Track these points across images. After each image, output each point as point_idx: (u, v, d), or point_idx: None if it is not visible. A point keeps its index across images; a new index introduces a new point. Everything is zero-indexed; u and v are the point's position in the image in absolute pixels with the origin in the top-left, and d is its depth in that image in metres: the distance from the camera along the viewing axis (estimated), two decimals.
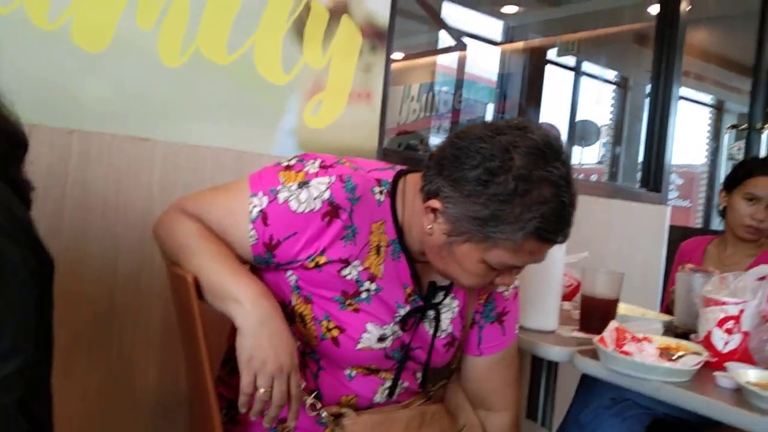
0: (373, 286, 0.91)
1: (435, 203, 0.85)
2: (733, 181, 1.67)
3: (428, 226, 0.87)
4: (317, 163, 0.89)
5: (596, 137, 5.97)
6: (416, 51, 4.97)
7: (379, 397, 0.97)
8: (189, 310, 0.86)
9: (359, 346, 0.91)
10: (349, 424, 0.90)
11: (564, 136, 5.62)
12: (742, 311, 1.10)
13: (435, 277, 0.96)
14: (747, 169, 1.66)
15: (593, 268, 1.32)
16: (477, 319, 1.04)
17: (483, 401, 1.09)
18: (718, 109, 6.81)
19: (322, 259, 0.87)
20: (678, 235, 2.84)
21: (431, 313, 0.97)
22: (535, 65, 5.19)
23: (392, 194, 0.92)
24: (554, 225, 0.82)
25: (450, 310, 1.00)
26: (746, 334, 1.09)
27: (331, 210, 0.86)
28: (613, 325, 1.10)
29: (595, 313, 1.27)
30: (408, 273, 0.94)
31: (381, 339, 0.92)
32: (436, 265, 0.91)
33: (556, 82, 5.49)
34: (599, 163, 6.26)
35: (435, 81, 5.11)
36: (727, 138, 5.82)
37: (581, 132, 5.89)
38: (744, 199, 1.61)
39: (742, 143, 3.10)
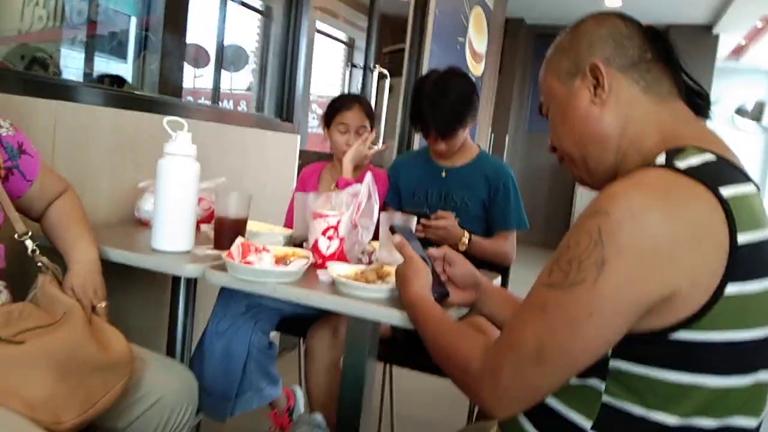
0: None
1: None
2: (328, 118, 1.99)
3: None
4: None
5: (245, 63, 6.12)
6: None
7: None
8: None
9: None
10: None
11: (212, 60, 5.61)
12: (339, 221, 1.36)
13: None
14: (335, 107, 1.97)
15: (225, 191, 1.45)
16: (9, 165, 1.18)
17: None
18: (350, 46, 7.65)
19: None
20: (314, 158, 3.21)
21: None
22: None
23: None
24: None
25: None
26: (342, 239, 1.37)
27: None
28: (239, 240, 1.25)
29: (227, 232, 1.40)
30: None
31: None
32: None
33: (203, 2, 5.39)
34: (248, 89, 6.46)
35: None
36: (354, 72, 6.62)
37: (230, 57, 5.95)
38: (338, 131, 1.95)
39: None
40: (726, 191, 0.72)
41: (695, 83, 0.91)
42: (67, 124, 1.58)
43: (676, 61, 0.88)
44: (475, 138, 5.25)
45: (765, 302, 0.74)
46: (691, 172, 0.73)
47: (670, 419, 0.74)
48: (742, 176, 0.78)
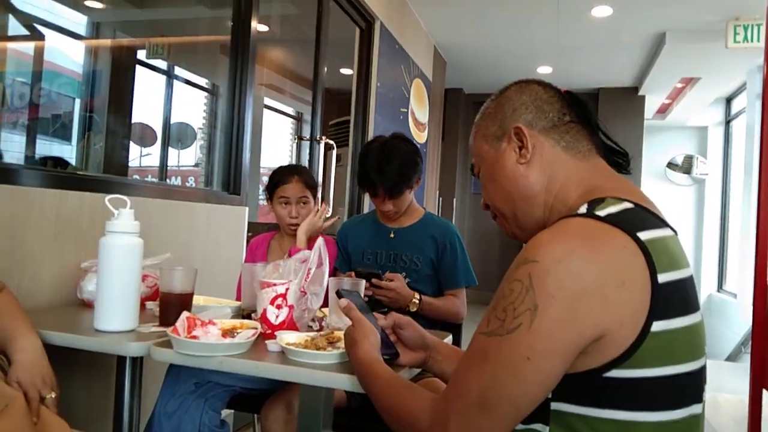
0: None
1: None
2: (270, 191, 2.02)
3: None
4: None
5: (192, 140, 6.16)
6: None
7: None
8: None
9: None
10: None
11: (159, 138, 5.63)
12: (287, 289, 1.36)
13: None
14: (275, 181, 2.02)
15: (170, 266, 1.44)
16: None
17: None
18: (298, 119, 7.81)
19: None
20: (264, 229, 3.22)
21: None
22: (124, 64, 5.06)
23: None
24: None
25: None
26: (291, 307, 1.37)
27: None
28: (184, 315, 1.23)
29: (173, 307, 1.38)
30: None
31: None
32: None
33: (148, 83, 5.45)
34: (196, 165, 6.46)
35: (5, 71, 4.46)
36: (302, 144, 6.75)
37: (177, 134, 5.98)
38: (280, 204, 1.98)
39: None
40: (644, 235, 0.77)
41: (614, 143, 0.98)
42: (6, 208, 1.55)
43: (593, 122, 0.96)
44: (424, 202, 5.37)
45: (689, 338, 0.78)
46: (611, 219, 0.78)
47: None
48: (658, 222, 0.83)
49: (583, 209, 0.82)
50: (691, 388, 0.80)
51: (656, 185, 8.34)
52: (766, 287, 3.22)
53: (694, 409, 0.80)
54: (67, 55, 4.78)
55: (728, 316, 6.55)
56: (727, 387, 4.21)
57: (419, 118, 5.21)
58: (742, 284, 6.09)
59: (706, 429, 0.85)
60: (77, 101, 4.92)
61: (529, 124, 0.93)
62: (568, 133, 0.93)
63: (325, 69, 3.56)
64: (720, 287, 7.84)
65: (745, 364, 4.43)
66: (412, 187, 1.91)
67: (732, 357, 5.83)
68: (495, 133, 0.96)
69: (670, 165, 8.65)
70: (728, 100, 7.75)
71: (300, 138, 3.56)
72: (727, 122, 7.95)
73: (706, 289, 7.87)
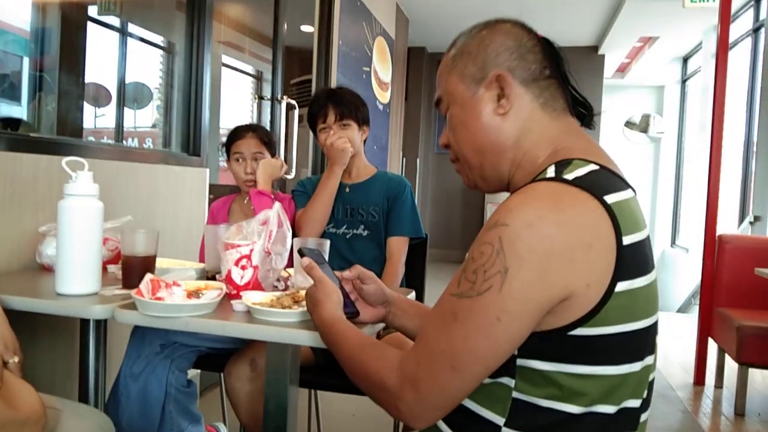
0: None
1: None
2: (227, 150, 2.03)
3: None
4: None
5: (149, 100, 5.98)
6: None
7: None
8: None
9: None
10: None
11: (114, 98, 5.44)
12: (252, 250, 1.37)
13: None
14: (230, 139, 2.03)
15: (131, 229, 1.42)
16: None
17: None
18: (258, 78, 7.64)
19: None
20: (225, 191, 3.18)
21: None
22: (75, 21, 4.84)
23: None
24: None
25: None
26: (256, 267, 1.38)
27: None
28: (148, 277, 1.23)
29: (136, 270, 1.37)
30: None
31: None
32: None
33: (101, 41, 5.24)
34: (153, 126, 6.29)
35: None
36: (263, 104, 6.63)
37: (133, 94, 5.80)
38: (235, 160, 1.98)
39: None
40: (610, 198, 0.78)
41: (580, 95, 0.96)
42: None
43: (564, 74, 0.93)
44: (387, 161, 5.37)
45: (648, 296, 0.82)
46: (578, 183, 0.79)
47: (575, 408, 0.80)
48: (622, 183, 0.85)
49: (550, 172, 0.82)
50: (646, 341, 0.84)
51: (614, 144, 8.52)
52: (715, 241, 3.37)
53: (648, 360, 0.85)
54: (13, 11, 4.54)
55: (681, 270, 6.82)
56: (677, 336, 4.42)
57: (382, 78, 5.17)
58: (694, 239, 6.34)
59: (658, 377, 0.91)
60: (25, 60, 4.70)
61: (511, 72, 0.89)
62: (548, 89, 0.90)
63: (285, 26, 3.48)
64: (673, 242, 8.14)
65: (694, 314, 4.65)
66: (360, 123, 1.95)
67: (683, 308, 6.10)
68: (474, 75, 0.91)
69: (628, 124, 8.82)
70: (685, 60, 7.90)
71: (261, 98, 3.49)
72: (684, 81, 8.12)
73: (660, 244, 8.16)
